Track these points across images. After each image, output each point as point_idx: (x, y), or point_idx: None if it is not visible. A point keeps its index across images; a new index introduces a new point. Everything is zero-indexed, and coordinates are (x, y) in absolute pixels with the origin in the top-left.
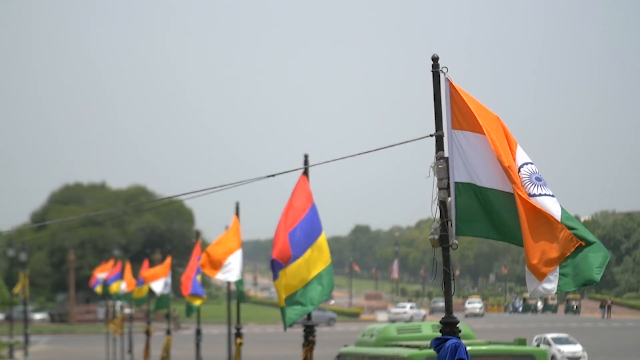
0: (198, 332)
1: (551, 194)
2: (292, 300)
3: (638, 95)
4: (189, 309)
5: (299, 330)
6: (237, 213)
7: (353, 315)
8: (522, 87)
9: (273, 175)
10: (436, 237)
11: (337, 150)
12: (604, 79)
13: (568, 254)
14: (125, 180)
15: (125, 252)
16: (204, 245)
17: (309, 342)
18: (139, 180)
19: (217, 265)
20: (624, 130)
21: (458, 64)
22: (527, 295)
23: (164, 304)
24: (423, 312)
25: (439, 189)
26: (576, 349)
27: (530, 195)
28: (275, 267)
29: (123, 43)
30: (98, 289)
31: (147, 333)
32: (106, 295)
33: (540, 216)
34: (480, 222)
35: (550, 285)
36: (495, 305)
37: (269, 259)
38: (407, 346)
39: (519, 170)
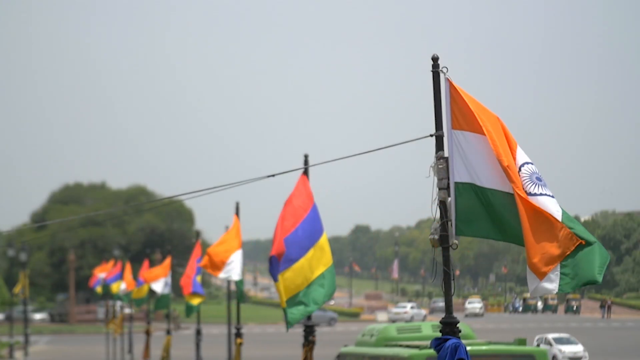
0: (198, 332)
1: (551, 194)
2: (294, 301)
3: (638, 95)
4: (189, 309)
5: (299, 330)
6: (237, 213)
7: (353, 315)
8: (522, 87)
9: (273, 175)
10: (436, 237)
11: (337, 150)
12: (604, 79)
13: (568, 253)
14: (125, 180)
15: (125, 252)
16: (204, 245)
17: (309, 342)
18: (139, 180)
19: (219, 265)
20: (624, 130)
21: (458, 64)
22: (527, 295)
23: (164, 304)
24: (424, 312)
25: (439, 189)
26: (577, 349)
27: (530, 194)
28: (274, 265)
29: (123, 43)
30: (98, 289)
31: (147, 333)
32: (106, 295)
33: (540, 216)
34: (481, 222)
35: (551, 284)
36: (495, 305)
37: (269, 258)
38: (407, 346)
39: (520, 169)
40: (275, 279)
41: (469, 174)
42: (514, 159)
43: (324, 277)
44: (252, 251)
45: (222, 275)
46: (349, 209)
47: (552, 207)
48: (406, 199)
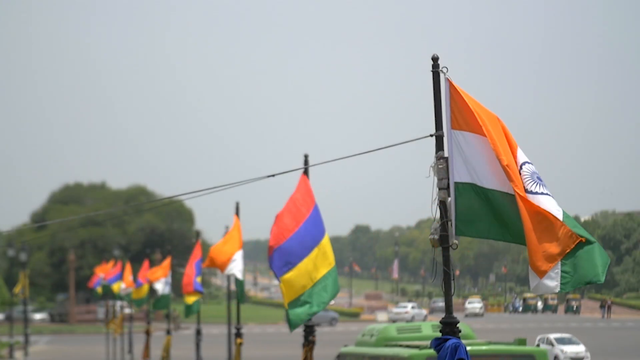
0: (198, 332)
1: (551, 195)
2: (297, 302)
3: (638, 95)
4: (187, 310)
5: (299, 330)
6: (237, 213)
7: (353, 315)
8: (522, 87)
9: (273, 175)
10: (436, 237)
11: (337, 150)
12: (604, 79)
13: (568, 250)
14: (125, 180)
15: (125, 252)
16: (204, 245)
17: (309, 342)
18: (139, 180)
19: (225, 263)
20: (624, 130)
21: (458, 64)
22: (527, 295)
23: (164, 304)
24: (424, 312)
25: (439, 189)
26: (579, 349)
27: (532, 192)
28: (275, 260)
29: (123, 43)
30: (98, 289)
31: (147, 333)
32: (106, 295)
33: (540, 215)
34: (481, 222)
35: (552, 282)
36: (495, 305)
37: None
38: (407, 346)
39: (520, 168)
40: (278, 275)
41: (469, 174)
42: (515, 158)
43: (327, 279)
44: (252, 251)
45: (227, 271)
46: (349, 209)
47: (552, 206)
48: (406, 199)
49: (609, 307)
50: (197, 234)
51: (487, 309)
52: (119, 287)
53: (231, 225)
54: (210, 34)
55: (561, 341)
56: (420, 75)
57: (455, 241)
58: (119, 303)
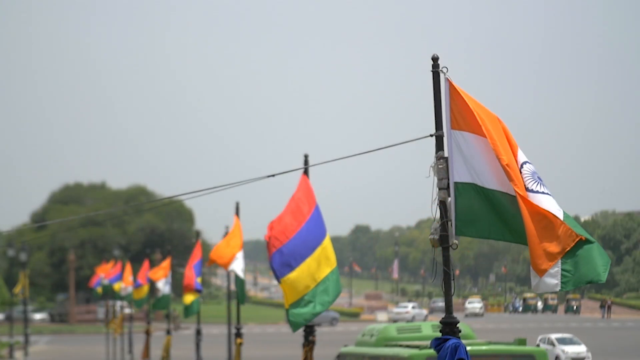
0: (198, 332)
1: (551, 195)
2: (300, 303)
3: (638, 95)
4: (187, 310)
5: (299, 330)
6: (237, 213)
7: (353, 315)
8: (522, 87)
9: (273, 175)
10: (436, 237)
11: (337, 150)
12: (604, 79)
13: (568, 249)
14: (125, 180)
15: (125, 252)
16: (204, 245)
17: (309, 342)
18: (139, 180)
19: (226, 264)
20: (624, 130)
21: (458, 64)
22: (527, 295)
23: (164, 304)
24: (425, 312)
25: (439, 189)
26: (580, 349)
27: (532, 191)
28: (276, 260)
29: (123, 43)
30: (98, 289)
31: (147, 333)
32: (106, 295)
33: (541, 214)
34: (481, 222)
35: (553, 281)
36: (495, 305)
37: (269, 259)
38: (407, 346)
39: (521, 167)
40: (280, 276)
41: (469, 174)
42: (515, 158)
43: (328, 280)
44: (252, 251)
45: (229, 268)
46: (349, 209)
47: (553, 206)
48: (406, 199)
49: (609, 307)
50: (197, 234)
51: (487, 309)
52: (119, 287)
53: (231, 225)
54: (210, 34)
55: (562, 341)
56: (420, 75)
57: (455, 241)
58: (119, 303)
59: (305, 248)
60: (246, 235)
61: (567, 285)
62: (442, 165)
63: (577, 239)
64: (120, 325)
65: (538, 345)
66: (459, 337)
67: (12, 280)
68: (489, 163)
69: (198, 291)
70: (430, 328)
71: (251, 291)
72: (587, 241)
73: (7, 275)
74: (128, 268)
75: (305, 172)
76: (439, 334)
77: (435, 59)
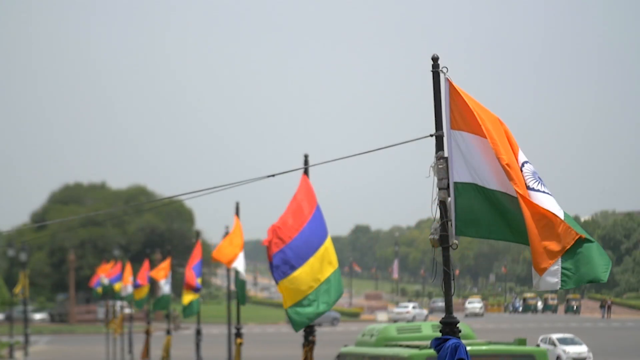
0: (198, 332)
1: (551, 195)
2: (303, 303)
3: (638, 95)
4: (186, 310)
5: (299, 330)
6: (237, 213)
7: (353, 315)
8: (522, 87)
9: (273, 175)
10: (436, 237)
11: (337, 150)
12: (604, 79)
13: (568, 247)
14: (125, 180)
15: (125, 252)
16: (204, 245)
17: (309, 342)
18: (139, 180)
19: (229, 262)
20: (624, 130)
21: (458, 64)
22: (527, 295)
23: (164, 304)
24: (425, 312)
25: (439, 189)
26: (581, 349)
27: (533, 189)
28: (278, 261)
29: (123, 43)
30: (98, 289)
31: (147, 333)
32: (106, 295)
33: (541, 212)
34: (481, 222)
35: (553, 279)
36: (495, 305)
37: (269, 261)
38: (407, 346)
39: (522, 166)
40: (281, 278)
41: (470, 174)
42: (516, 158)
43: (330, 281)
44: (252, 251)
45: (233, 266)
46: (349, 209)
47: (553, 205)
48: (406, 199)
49: (609, 307)
50: (197, 234)
51: (487, 309)
52: (119, 287)
53: (231, 225)
54: (210, 34)
55: (564, 341)
56: (420, 75)
57: (455, 241)
58: (119, 303)
59: (308, 248)
60: (246, 235)
61: (568, 283)
62: (442, 165)
63: (577, 237)
64: (120, 325)
65: (538, 345)
66: (459, 337)
67: (12, 280)
68: (489, 163)
69: (197, 289)
70: (430, 328)
71: (251, 291)
72: (587, 240)
73: (7, 275)
74: (128, 268)
75: (305, 172)
76: (439, 334)
77: (435, 59)
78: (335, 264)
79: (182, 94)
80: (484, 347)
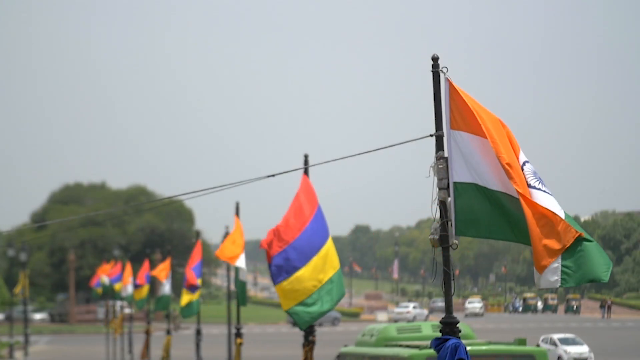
0: (198, 332)
1: (552, 195)
2: (306, 302)
3: (638, 95)
4: (185, 310)
5: (299, 330)
6: (237, 213)
7: (353, 315)
8: (522, 87)
9: (273, 175)
10: (436, 237)
11: (337, 150)
12: (604, 79)
13: (568, 245)
14: (125, 180)
15: (125, 252)
16: (204, 245)
17: (309, 342)
18: (139, 180)
19: (235, 257)
20: (624, 130)
21: (458, 64)
22: (527, 295)
23: (164, 305)
24: (426, 312)
25: (439, 189)
26: (583, 349)
27: (534, 187)
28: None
29: (123, 43)
30: (98, 290)
31: (147, 333)
32: (106, 295)
33: (541, 212)
34: (481, 222)
35: (553, 277)
36: (495, 305)
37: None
38: (407, 346)
39: (524, 165)
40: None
41: (470, 174)
42: (517, 157)
43: (332, 282)
44: (252, 251)
45: (237, 263)
46: (349, 209)
47: (553, 204)
48: (406, 199)
49: (609, 307)
50: (197, 234)
51: (487, 309)
52: (120, 287)
53: (231, 225)
54: (210, 34)
55: (565, 341)
56: (420, 75)
57: (455, 241)
58: (119, 303)
59: (311, 248)
60: (246, 235)
61: (568, 282)
62: (442, 165)
63: (577, 235)
64: (120, 325)
65: (538, 345)
66: (459, 337)
67: (12, 280)
68: (489, 164)
69: (196, 288)
70: (430, 328)
71: (251, 291)
72: (587, 239)
73: (7, 275)
74: (128, 268)
75: (306, 172)
76: (439, 334)
77: (435, 59)
78: (337, 265)
79: (182, 94)
80: (484, 347)
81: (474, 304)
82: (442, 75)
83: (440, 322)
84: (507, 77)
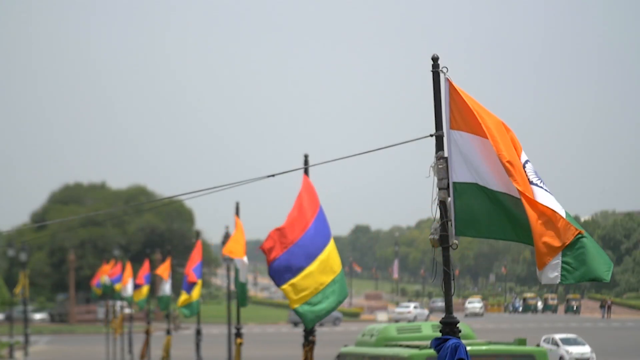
0: (198, 332)
1: (552, 194)
2: (312, 301)
3: (638, 95)
4: (183, 311)
5: (299, 330)
6: (237, 213)
7: (353, 315)
8: (522, 87)
9: (273, 175)
10: (436, 237)
11: (337, 150)
12: (604, 79)
13: (568, 242)
14: (125, 180)
15: (125, 252)
16: (204, 245)
17: (309, 342)
18: (139, 180)
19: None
20: (624, 130)
21: (458, 64)
22: (527, 295)
23: (164, 305)
24: (426, 311)
25: (439, 189)
26: (584, 350)
27: (535, 184)
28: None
29: (123, 43)
30: (98, 290)
31: (147, 333)
32: (106, 295)
33: (541, 210)
34: (481, 222)
35: (553, 273)
36: (495, 305)
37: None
38: (407, 346)
39: (526, 163)
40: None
41: (470, 174)
42: (519, 156)
43: (335, 283)
44: (252, 251)
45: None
46: (349, 209)
47: (554, 203)
48: (406, 199)
49: (609, 307)
50: (197, 234)
51: (487, 309)
52: (120, 287)
53: (231, 225)
54: (210, 34)
55: (566, 342)
56: (420, 75)
57: (455, 241)
58: (119, 303)
59: (315, 247)
60: (246, 235)
61: (568, 278)
62: (442, 165)
63: (577, 233)
64: (120, 325)
65: (538, 345)
66: (459, 337)
67: (12, 280)
68: (489, 164)
69: (192, 285)
70: (430, 328)
71: (251, 291)
72: (588, 238)
73: (7, 275)
74: (128, 268)
75: (306, 172)
76: (439, 334)
77: (435, 59)
78: (339, 267)
79: (182, 94)
80: (484, 347)
81: (474, 304)
82: (442, 75)
83: (440, 322)
84: (507, 77)
